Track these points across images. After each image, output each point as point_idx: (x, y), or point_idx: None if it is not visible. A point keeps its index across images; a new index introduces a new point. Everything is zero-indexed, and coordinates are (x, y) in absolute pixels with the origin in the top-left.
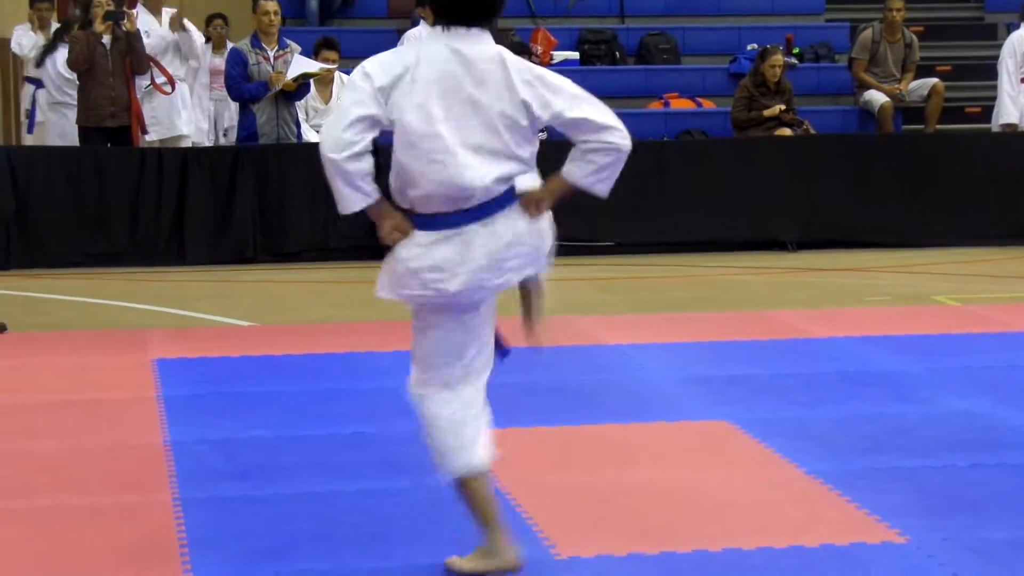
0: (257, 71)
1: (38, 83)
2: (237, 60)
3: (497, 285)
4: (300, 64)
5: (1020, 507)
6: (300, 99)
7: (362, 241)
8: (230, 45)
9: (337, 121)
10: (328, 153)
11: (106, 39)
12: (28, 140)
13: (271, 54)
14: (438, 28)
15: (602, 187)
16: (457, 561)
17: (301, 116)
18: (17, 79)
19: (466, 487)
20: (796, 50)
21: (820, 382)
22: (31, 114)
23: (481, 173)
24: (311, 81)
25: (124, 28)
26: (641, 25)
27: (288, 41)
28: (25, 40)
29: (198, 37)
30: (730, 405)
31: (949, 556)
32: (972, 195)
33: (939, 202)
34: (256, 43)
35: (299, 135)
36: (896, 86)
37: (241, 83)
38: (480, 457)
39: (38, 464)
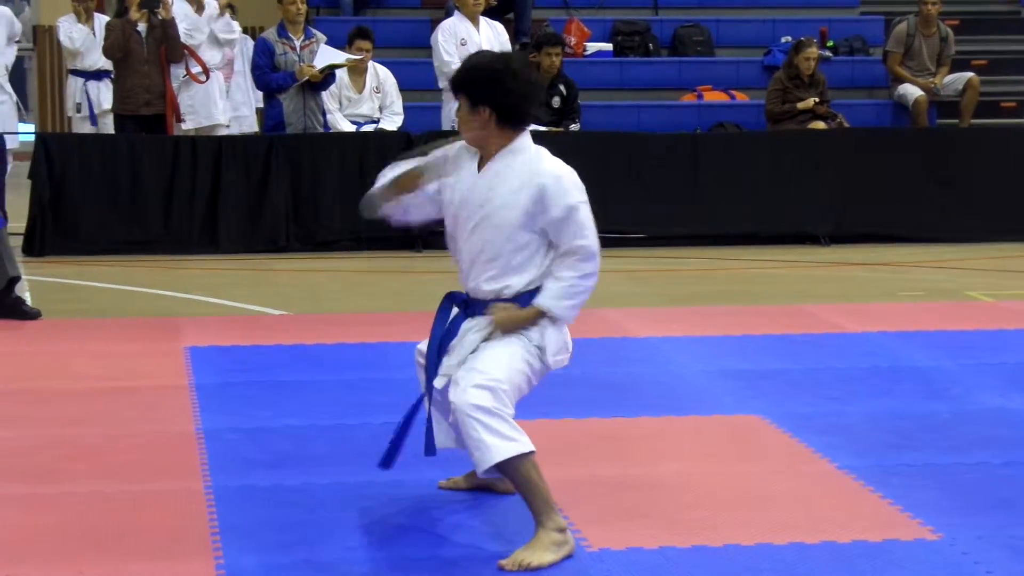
0: (283, 61)
1: (85, 75)
2: (264, 50)
3: None
4: (326, 55)
5: None
6: (325, 89)
7: (394, 232)
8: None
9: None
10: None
11: (142, 27)
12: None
13: (297, 44)
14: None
15: None
16: (525, 556)
17: (334, 105)
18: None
19: (528, 466)
20: (830, 43)
21: (853, 377)
22: (90, 107)
23: None
24: (340, 71)
25: (159, 16)
26: (675, 17)
27: (314, 31)
28: (75, 33)
29: (236, 26)
30: (762, 399)
31: (983, 554)
32: (1007, 190)
33: (973, 197)
34: (282, 33)
35: (325, 124)
36: (931, 80)
37: (267, 73)
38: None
39: (72, 451)
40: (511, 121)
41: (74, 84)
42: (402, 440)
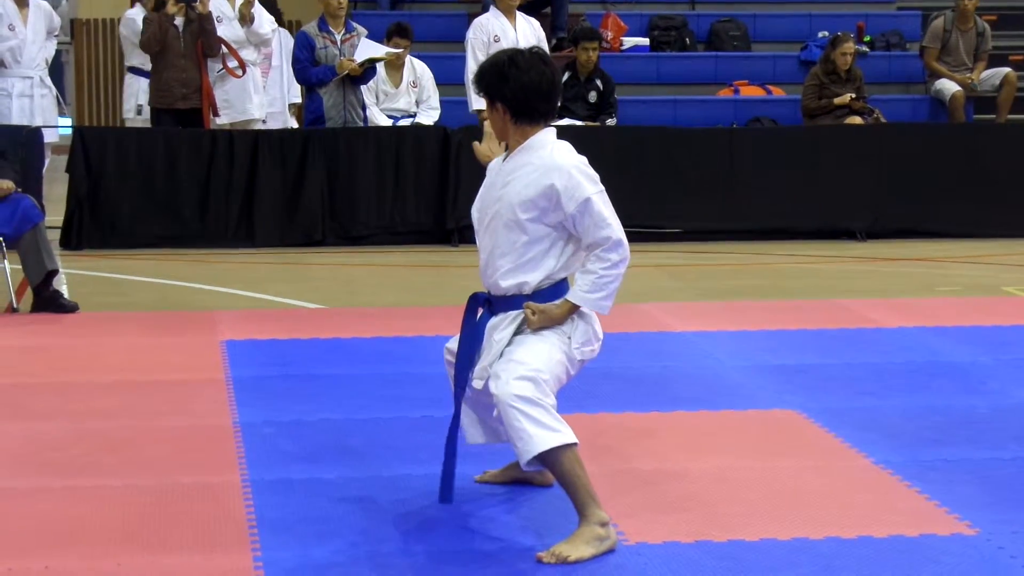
0: (324, 55)
1: (145, 74)
2: (304, 44)
3: None
4: (367, 48)
5: None
6: (366, 83)
7: (429, 226)
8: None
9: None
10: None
11: (179, 21)
12: None
13: (338, 38)
14: (550, 133)
15: None
16: (564, 549)
17: (371, 100)
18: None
19: (571, 458)
20: (867, 38)
21: (889, 372)
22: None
23: None
24: (378, 64)
25: (196, 10)
26: (712, 11)
27: (355, 25)
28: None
29: (268, 22)
30: (799, 394)
31: (1020, 548)
32: None
33: (1010, 192)
34: (323, 27)
35: (365, 119)
36: (968, 75)
37: (308, 67)
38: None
39: (109, 443)
40: (524, 116)
41: (135, 84)
42: (453, 469)
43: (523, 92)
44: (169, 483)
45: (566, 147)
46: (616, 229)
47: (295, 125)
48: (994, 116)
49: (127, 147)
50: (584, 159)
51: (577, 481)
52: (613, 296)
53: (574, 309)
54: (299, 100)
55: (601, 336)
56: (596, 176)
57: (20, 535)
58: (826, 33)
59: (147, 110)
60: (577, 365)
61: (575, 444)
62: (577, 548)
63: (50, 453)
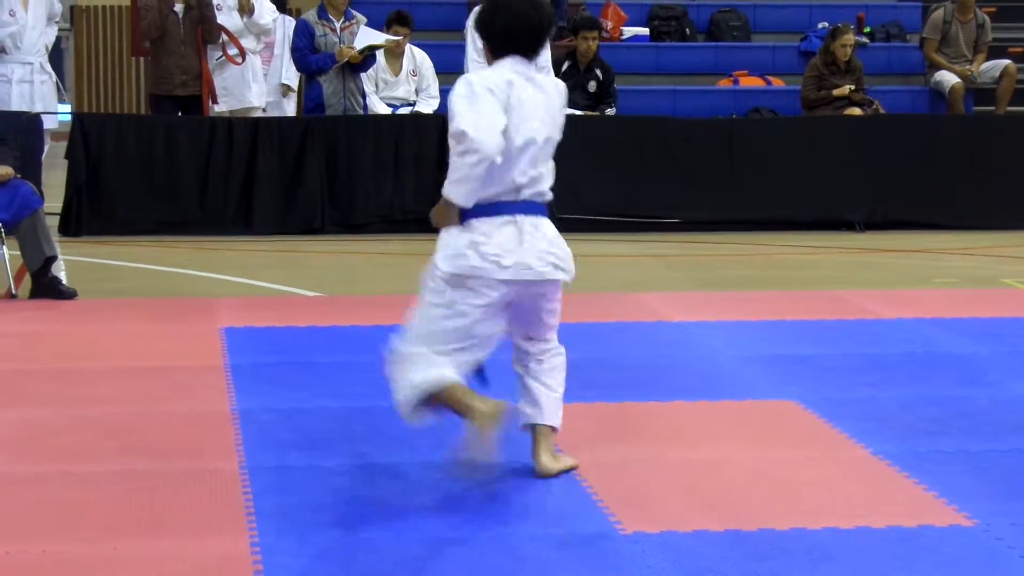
0: (324, 42)
1: None
2: (304, 31)
3: (539, 273)
4: (366, 36)
5: None
6: (366, 70)
7: (428, 214)
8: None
9: (492, 125)
10: (488, 152)
11: (178, 7)
12: None
13: (337, 26)
14: (506, 60)
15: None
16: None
17: (370, 88)
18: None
19: (445, 393)
20: (867, 29)
21: (887, 363)
22: None
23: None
24: (377, 52)
25: None
26: (712, 2)
27: (354, 12)
28: None
29: (269, 12)
30: (797, 385)
31: (1018, 540)
32: None
33: (1009, 184)
34: (323, 14)
35: (365, 107)
36: (967, 67)
37: (307, 54)
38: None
39: (107, 429)
40: (496, 53)
41: None
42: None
43: (502, 32)
44: (167, 469)
45: (486, 68)
46: (462, 120)
47: (289, 108)
48: (993, 108)
49: (126, 134)
50: (490, 73)
51: (447, 404)
52: (462, 184)
53: (446, 200)
54: (289, 81)
55: (492, 251)
56: (481, 82)
57: (18, 520)
58: (826, 24)
59: None
60: (456, 283)
61: (428, 384)
62: (479, 449)
63: (48, 439)
